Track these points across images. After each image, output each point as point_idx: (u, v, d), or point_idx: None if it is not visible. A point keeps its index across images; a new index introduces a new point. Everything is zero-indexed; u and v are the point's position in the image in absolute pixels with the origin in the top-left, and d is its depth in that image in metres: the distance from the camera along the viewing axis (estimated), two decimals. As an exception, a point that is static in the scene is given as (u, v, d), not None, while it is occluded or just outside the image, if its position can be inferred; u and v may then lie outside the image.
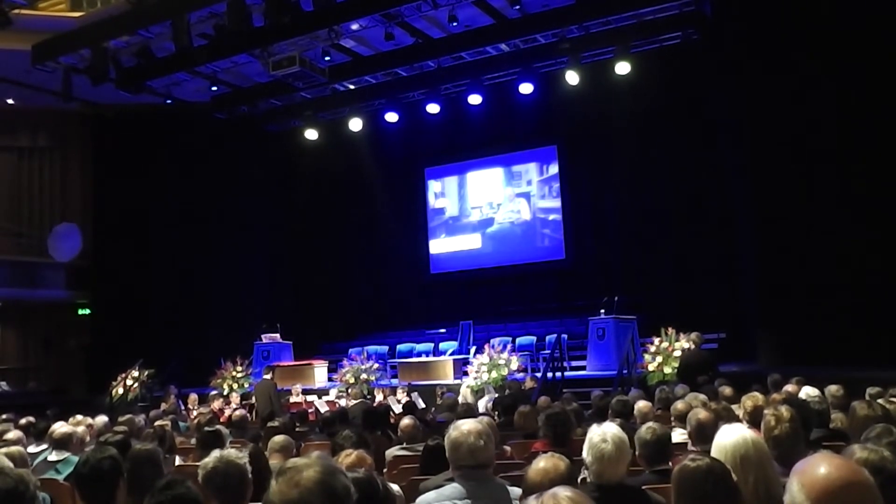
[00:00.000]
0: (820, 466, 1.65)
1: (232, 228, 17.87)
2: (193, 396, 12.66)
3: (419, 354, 15.29)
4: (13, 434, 6.06)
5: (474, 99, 15.85)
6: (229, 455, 3.10)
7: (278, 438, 4.77)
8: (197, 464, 4.79)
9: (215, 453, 3.14)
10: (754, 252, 12.55)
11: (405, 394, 11.42)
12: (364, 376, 13.45)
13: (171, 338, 16.41)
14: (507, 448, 5.56)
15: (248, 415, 9.73)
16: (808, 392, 7.04)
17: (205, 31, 13.15)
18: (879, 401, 4.67)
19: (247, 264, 17.96)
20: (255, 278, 18.02)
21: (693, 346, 10.51)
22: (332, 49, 14.30)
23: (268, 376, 11.60)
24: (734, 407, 5.54)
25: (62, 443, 5.48)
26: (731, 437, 3.00)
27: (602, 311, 12.90)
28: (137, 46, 13.95)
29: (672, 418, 5.63)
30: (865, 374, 7.95)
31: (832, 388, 6.54)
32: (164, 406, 11.63)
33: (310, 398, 12.19)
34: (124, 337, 16.80)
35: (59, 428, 5.69)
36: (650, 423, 4.09)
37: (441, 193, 18.76)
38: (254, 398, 11.98)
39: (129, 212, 17.89)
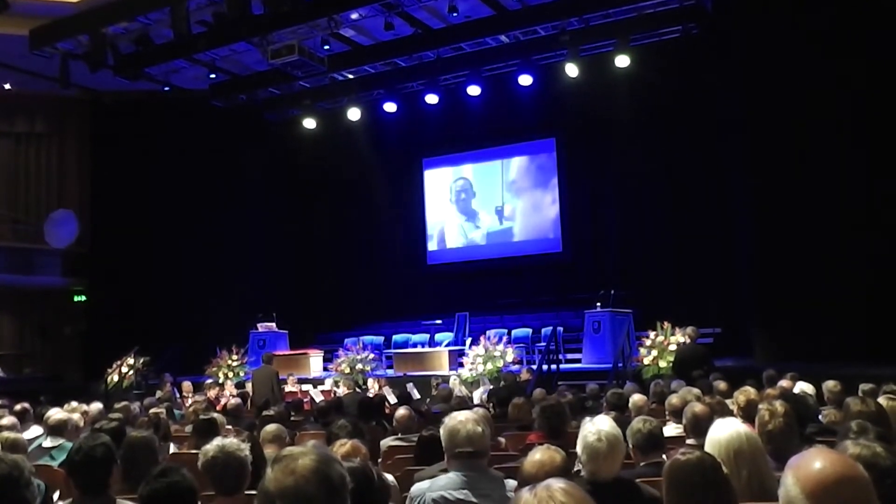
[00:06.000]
0: (815, 461, 1.65)
1: (229, 217, 17.84)
2: (188, 384, 12.66)
3: (415, 345, 15.29)
4: (8, 420, 6.05)
5: (473, 90, 15.80)
6: (230, 445, 3.10)
7: (270, 428, 4.75)
8: (192, 451, 4.81)
9: (216, 441, 3.14)
10: (751, 247, 12.58)
11: (386, 386, 11.37)
12: (359, 366, 13.48)
13: (167, 326, 16.40)
14: (502, 440, 5.57)
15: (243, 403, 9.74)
16: (802, 388, 7.08)
17: (203, 18, 13.09)
18: (881, 399, 4.68)
19: (243, 253, 17.93)
20: (251, 267, 17.99)
21: (689, 341, 10.53)
22: (331, 38, 14.23)
23: (269, 364, 11.56)
24: (728, 402, 5.55)
25: (57, 429, 5.48)
26: (725, 432, 3.01)
27: (598, 304, 12.92)
28: (136, 33, 13.88)
29: (667, 412, 5.64)
30: (860, 370, 7.98)
31: (830, 384, 6.56)
32: (159, 394, 11.61)
33: (305, 388, 12.20)
34: (120, 324, 16.80)
35: (55, 414, 5.69)
36: (643, 416, 4.11)
37: (439, 184, 18.73)
38: (250, 386, 11.95)
39: (126, 199, 17.87)
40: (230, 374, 14.20)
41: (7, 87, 17.64)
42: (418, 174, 18.80)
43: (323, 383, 12.81)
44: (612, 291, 12.96)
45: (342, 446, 3.50)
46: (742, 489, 2.80)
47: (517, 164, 17.83)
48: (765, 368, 8.40)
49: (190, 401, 10.71)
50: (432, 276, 18.37)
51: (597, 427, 3.21)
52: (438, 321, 15.73)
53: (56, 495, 4.01)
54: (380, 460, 5.18)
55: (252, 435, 4.46)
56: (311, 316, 18.02)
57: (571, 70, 14.46)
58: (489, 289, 17.36)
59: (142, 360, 15.13)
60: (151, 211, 17.81)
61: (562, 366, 12.81)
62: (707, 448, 2.93)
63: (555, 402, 5.10)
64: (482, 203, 18.16)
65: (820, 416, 5.20)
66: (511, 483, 3.24)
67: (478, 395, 10.48)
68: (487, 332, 13.13)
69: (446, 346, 14.32)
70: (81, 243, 18.34)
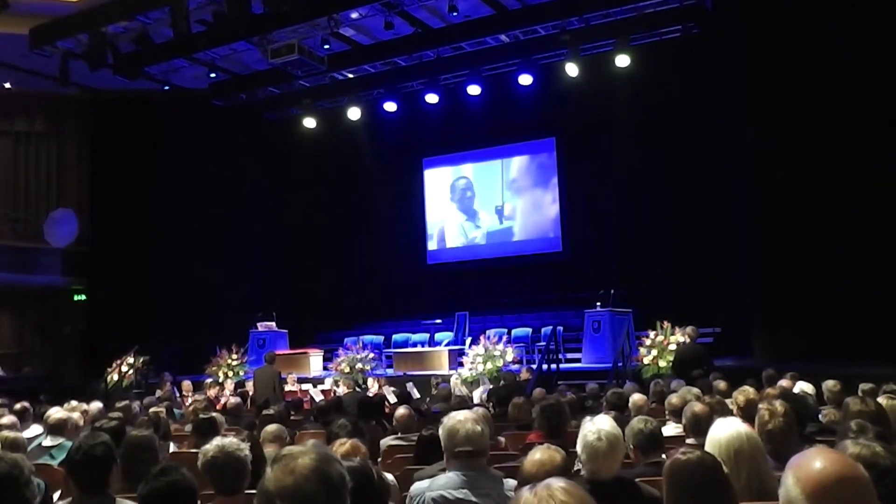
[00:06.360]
0: (815, 461, 1.65)
1: (229, 216, 17.84)
2: (188, 384, 12.66)
3: (415, 345, 15.29)
4: (8, 419, 6.05)
5: (473, 90, 15.81)
6: (229, 445, 3.10)
7: (271, 428, 4.76)
8: (191, 451, 4.81)
9: (216, 441, 3.14)
10: (751, 247, 12.57)
11: (386, 385, 11.37)
12: (359, 366, 13.48)
13: (167, 325, 16.38)
14: (502, 439, 5.57)
15: (243, 403, 9.74)
16: (802, 388, 7.08)
17: (203, 17, 13.08)
18: (881, 398, 4.68)
19: (243, 252, 17.94)
20: (251, 266, 17.99)
21: (688, 340, 10.53)
22: (331, 37, 14.23)
23: (272, 364, 11.56)
24: (727, 401, 5.55)
25: (57, 428, 5.47)
26: (724, 431, 3.01)
27: (598, 303, 12.92)
28: (136, 32, 13.87)
29: (666, 412, 5.64)
30: (860, 370, 7.97)
31: (829, 384, 6.56)
32: (159, 393, 11.61)
33: (304, 387, 12.20)
34: (120, 323, 16.79)
35: (55, 413, 5.69)
36: (643, 415, 4.11)
37: (439, 184, 18.72)
38: (251, 385, 11.94)
39: (125, 198, 17.88)
40: (230, 374, 14.20)
41: (7, 86, 17.63)
42: (418, 173, 18.80)
43: (323, 382, 12.79)
44: (612, 291, 12.96)
45: (342, 446, 3.50)
46: (742, 489, 2.80)
47: (517, 163, 17.83)
48: (765, 368, 8.39)
49: (190, 400, 10.72)
50: (432, 275, 18.37)
51: (597, 426, 3.20)
52: (438, 320, 15.74)
53: (56, 494, 4.01)
54: (379, 460, 5.17)
55: (252, 434, 4.46)
56: (310, 315, 18.00)
57: (571, 70, 14.46)
58: (489, 288, 17.36)
59: (142, 360, 15.13)
60: (151, 210, 17.81)
61: (562, 365, 12.80)
62: (707, 448, 2.93)
63: (555, 401, 5.09)
64: (482, 202, 18.15)
65: (820, 416, 5.20)
66: (510, 482, 3.24)
67: (478, 395, 10.47)
68: (487, 332, 13.12)
69: (446, 345, 14.32)
70: (81, 242, 18.34)
